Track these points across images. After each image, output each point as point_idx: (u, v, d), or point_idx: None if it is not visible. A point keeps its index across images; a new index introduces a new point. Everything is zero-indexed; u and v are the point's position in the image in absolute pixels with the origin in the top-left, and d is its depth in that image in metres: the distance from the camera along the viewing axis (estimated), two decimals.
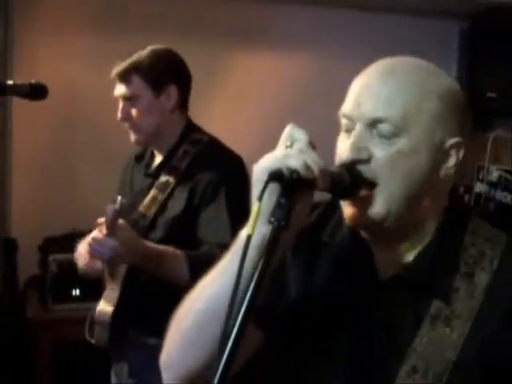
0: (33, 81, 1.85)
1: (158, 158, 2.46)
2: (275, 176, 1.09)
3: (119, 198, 2.15)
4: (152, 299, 2.27)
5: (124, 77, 2.30)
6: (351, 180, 1.19)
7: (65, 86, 3.62)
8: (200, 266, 2.06)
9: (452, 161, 1.25)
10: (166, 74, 2.33)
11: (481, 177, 4.14)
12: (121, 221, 2.14)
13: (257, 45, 4.17)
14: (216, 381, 0.98)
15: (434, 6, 4.15)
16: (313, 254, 1.37)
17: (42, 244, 3.64)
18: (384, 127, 1.21)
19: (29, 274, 3.70)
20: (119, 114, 2.34)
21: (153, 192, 2.36)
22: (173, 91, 2.34)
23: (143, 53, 2.32)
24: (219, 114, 3.87)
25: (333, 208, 1.38)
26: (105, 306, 2.30)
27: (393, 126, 1.20)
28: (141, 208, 2.36)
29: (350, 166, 1.20)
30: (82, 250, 2.38)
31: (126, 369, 2.38)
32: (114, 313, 2.28)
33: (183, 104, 2.41)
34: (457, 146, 1.25)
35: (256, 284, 1.04)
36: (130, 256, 2.16)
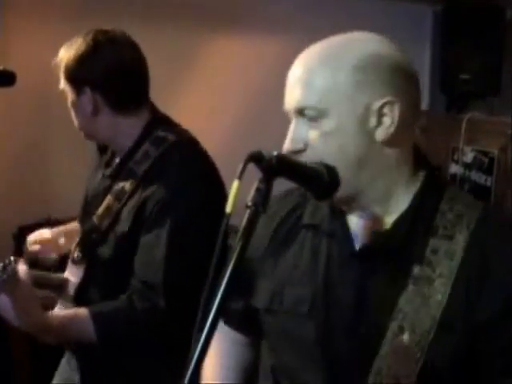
0: (1, 67, 1.82)
1: (118, 157, 2.19)
2: (255, 157, 1.13)
3: (11, 258, 1.86)
4: None
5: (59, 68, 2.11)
6: (330, 179, 1.27)
7: (39, 73, 3.57)
8: (109, 325, 1.97)
9: (387, 121, 1.29)
10: (81, 74, 2.04)
11: (456, 158, 4.17)
12: (25, 279, 1.87)
13: (227, 30, 4.11)
14: (193, 361, 1.02)
15: None
16: (292, 238, 1.44)
17: (17, 232, 3.61)
18: (308, 112, 1.29)
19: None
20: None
21: (108, 199, 2.09)
22: (87, 94, 2.04)
23: (73, 45, 2.07)
24: (185, 102, 3.82)
25: None
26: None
27: (315, 110, 1.28)
28: (94, 218, 2.11)
29: (329, 166, 1.27)
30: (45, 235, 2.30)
31: (78, 378, 2.20)
32: None
33: (116, 106, 2.06)
34: (388, 105, 1.29)
35: (234, 266, 1.09)
36: (21, 324, 1.90)
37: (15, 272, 1.83)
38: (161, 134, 2.09)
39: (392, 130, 1.29)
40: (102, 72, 2.04)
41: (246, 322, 1.56)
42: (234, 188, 1.10)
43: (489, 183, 3.94)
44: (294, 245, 1.44)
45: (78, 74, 2.04)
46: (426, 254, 1.29)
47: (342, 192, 1.30)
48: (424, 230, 1.31)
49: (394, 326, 1.27)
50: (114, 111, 2.06)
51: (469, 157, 4.09)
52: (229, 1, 4.06)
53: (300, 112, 1.30)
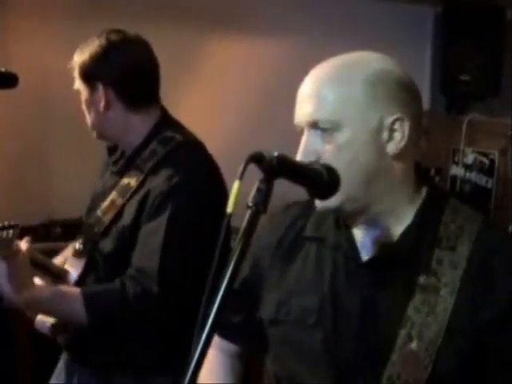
0: (2, 69, 1.82)
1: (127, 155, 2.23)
2: (255, 158, 1.15)
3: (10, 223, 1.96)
4: None
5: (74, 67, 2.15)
6: (329, 179, 1.29)
7: (39, 73, 3.58)
8: (99, 305, 1.97)
9: (398, 136, 1.33)
10: (93, 71, 2.09)
11: (456, 159, 4.17)
12: (25, 245, 1.97)
13: (227, 30, 4.11)
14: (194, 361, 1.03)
15: None
16: (295, 249, 1.48)
17: (19, 233, 3.59)
18: (322, 125, 1.31)
19: None
20: None
21: (112, 195, 2.13)
22: (100, 89, 2.09)
23: (87, 46, 2.12)
24: (186, 103, 3.81)
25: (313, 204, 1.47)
26: (43, 316, 2.14)
27: (328, 123, 1.31)
28: (98, 211, 2.15)
29: (329, 167, 1.30)
30: None
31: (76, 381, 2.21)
32: (52, 327, 2.12)
33: (127, 102, 2.12)
34: (398, 121, 1.33)
35: (234, 266, 1.10)
36: (12, 295, 1.93)
37: (11, 238, 1.96)
38: (169, 134, 2.14)
39: (402, 144, 1.33)
40: (114, 70, 2.10)
41: (244, 333, 1.59)
42: (234, 188, 1.11)
43: (489, 185, 3.94)
44: (298, 256, 1.47)
45: (91, 70, 2.09)
46: (431, 264, 1.33)
47: (350, 206, 1.35)
48: (429, 241, 1.36)
49: (403, 334, 1.31)
50: (126, 107, 2.12)
51: (469, 158, 4.09)
52: (229, 1, 4.06)
53: (313, 125, 1.33)
